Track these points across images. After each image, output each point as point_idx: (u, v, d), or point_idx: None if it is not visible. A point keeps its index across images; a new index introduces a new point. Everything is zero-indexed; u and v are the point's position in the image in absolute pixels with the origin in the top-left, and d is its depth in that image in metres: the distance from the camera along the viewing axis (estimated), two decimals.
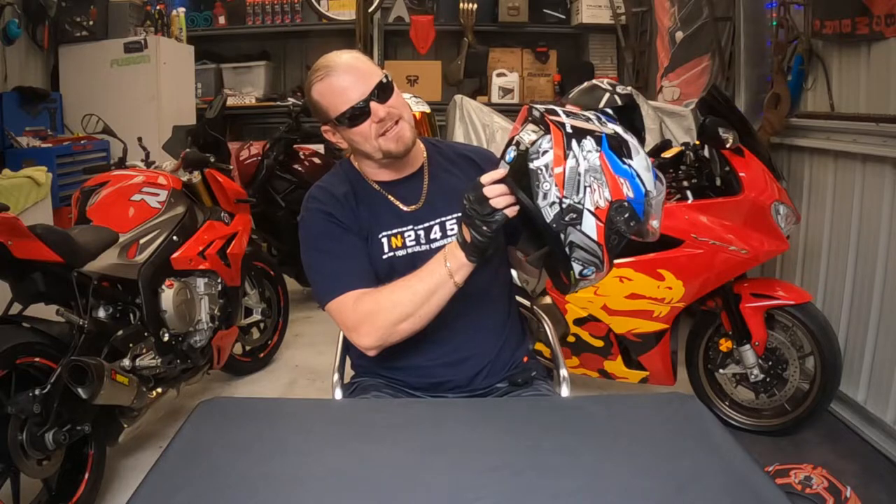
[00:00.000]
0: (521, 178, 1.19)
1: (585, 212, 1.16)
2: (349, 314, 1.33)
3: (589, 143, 1.17)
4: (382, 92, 1.35)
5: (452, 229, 1.42)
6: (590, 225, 1.16)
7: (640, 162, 1.19)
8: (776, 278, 3.01)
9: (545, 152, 1.17)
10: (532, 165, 1.17)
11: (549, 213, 1.17)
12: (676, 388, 2.47)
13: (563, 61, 5.41)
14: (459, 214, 1.41)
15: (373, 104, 1.34)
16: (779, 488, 0.97)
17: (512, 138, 1.24)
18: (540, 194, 1.17)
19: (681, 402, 1.24)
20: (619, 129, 1.22)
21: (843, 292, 2.68)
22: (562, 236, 1.18)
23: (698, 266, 2.37)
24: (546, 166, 1.16)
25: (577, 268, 1.20)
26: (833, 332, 2.41)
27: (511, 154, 1.22)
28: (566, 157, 1.16)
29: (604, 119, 1.23)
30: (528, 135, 1.20)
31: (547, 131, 1.18)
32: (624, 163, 1.18)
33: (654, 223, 1.23)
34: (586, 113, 1.24)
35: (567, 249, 1.19)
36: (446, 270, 1.26)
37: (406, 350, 1.40)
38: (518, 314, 1.59)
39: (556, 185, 1.15)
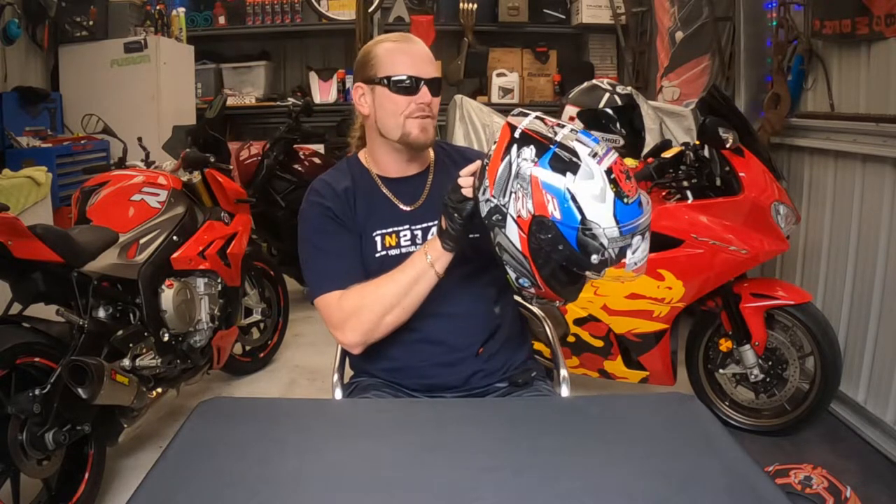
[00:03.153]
0: (480, 174, 1.23)
1: (508, 217, 1.17)
2: (334, 311, 1.35)
3: (528, 151, 1.14)
4: (436, 86, 1.40)
5: None
6: (513, 231, 1.17)
7: (587, 188, 1.10)
8: (776, 278, 3.02)
9: (492, 151, 1.20)
10: (483, 162, 1.22)
11: (484, 209, 1.21)
12: (676, 388, 2.47)
13: (563, 61, 5.40)
14: None
15: (425, 87, 1.38)
16: (779, 488, 0.97)
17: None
18: (481, 188, 1.21)
19: (681, 402, 1.24)
20: (587, 153, 1.12)
21: (843, 292, 2.68)
22: (492, 234, 1.21)
23: (698, 266, 2.37)
24: (486, 165, 1.20)
25: (511, 274, 1.22)
26: (833, 332, 2.41)
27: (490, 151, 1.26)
28: (502, 159, 1.17)
29: (582, 135, 1.16)
30: None
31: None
32: (558, 181, 1.11)
33: (631, 256, 1.14)
34: (565, 124, 1.18)
35: (497, 249, 1.21)
36: (427, 261, 1.29)
37: (403, 351, 1.41)
38: (518, 315, 1.58)
39: (488, 183, 1.19)
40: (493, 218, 1.19)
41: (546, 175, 1.12)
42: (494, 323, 1.47)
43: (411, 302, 1.31)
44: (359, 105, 1.43)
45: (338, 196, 1.42)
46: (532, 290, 1.22)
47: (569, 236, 1.12)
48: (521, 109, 1.25)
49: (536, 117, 1.20)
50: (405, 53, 1.38)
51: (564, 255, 1.14)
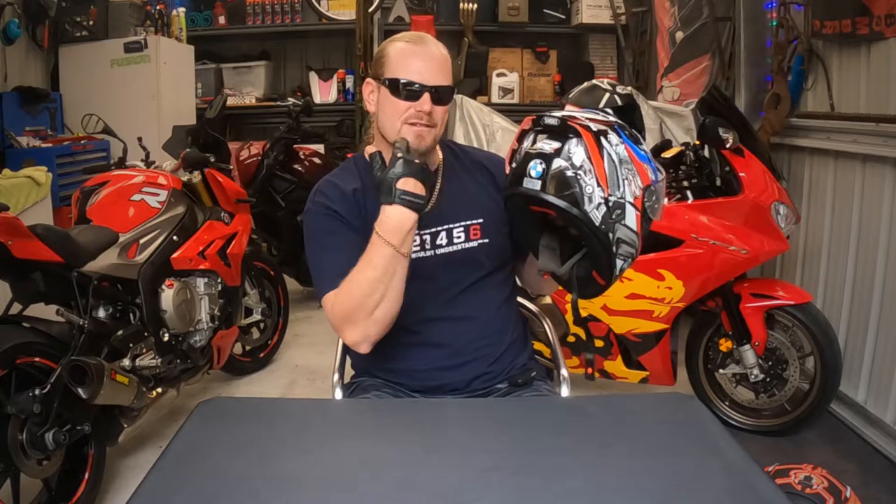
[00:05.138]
0: (561, 187, 1.17)
1: (627, 205, 1.17)
2: (332, 314, 1.31)
3: (614, 136, 1.18)
4: (441, 95, 1.35)
5: (459, 237, 1.40)
6: (631, 217, 1.18)
7: (646, 147, 1.23)
8: (776, 278, 3.02)
9: (577, 155, 1.16)
10: (569, 173, 1.16)
11: (598, 216, 1.16)
12: (676, 388, 2.47)
13: (563, 61, 5.41)
14: (466, 222, 1.41)
15: (427, 95, 1.33)
16: (779, 488, 0.97)
17: (514, 152, 1.22)
18: (585, 198, 1.16)
19: (681, 402, 1.24)
20: (613, 118, 1.24)
21: (843, 292, 2.68)
22: (610, 235, 1.17)
23: (698, 266, 2.37)
24: (584, 169, 1.15)
25: (619, 263, 1.21)
26: (833, 332, 2.41)
27: (537, 168, 1.18)
28: (602, 156, 1.16)
29: (600, 113, 1.24)
30: (549, 143, 1.18)
31: (564, 137, 1.17)
32: (641, 148, 1.21)
33: (665, 201, 1.27)
34: (585, 111, 1.25)
35: (615, 247, 1.19)
36: (390, 251, 1.23)
37: (406, 353, 1.40)
38: (520, 318, 1.57)
39: (599, 186, 1.15)
40: (614, 215, 1.16)
41: (635, 148, 1.20)
42: (500, 326, 1.45)
43: (395, 288, 1.25)
44: (366, 101, 1.42)
45: (345, 196, 1.39)
46: (626, 268, 1.23)
47: (660, 192, 1.23)
48: (542, 114, 1.23)
49: (567, 112, 1.23)
50: (415, 57, 1.34)
51: (657, 211, 1.22)
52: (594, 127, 1.18)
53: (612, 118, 1.22)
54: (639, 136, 1.23)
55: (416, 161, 1.24)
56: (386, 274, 1.24)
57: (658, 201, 1.22)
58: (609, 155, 1.16)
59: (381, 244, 1.23)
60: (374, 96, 1.40)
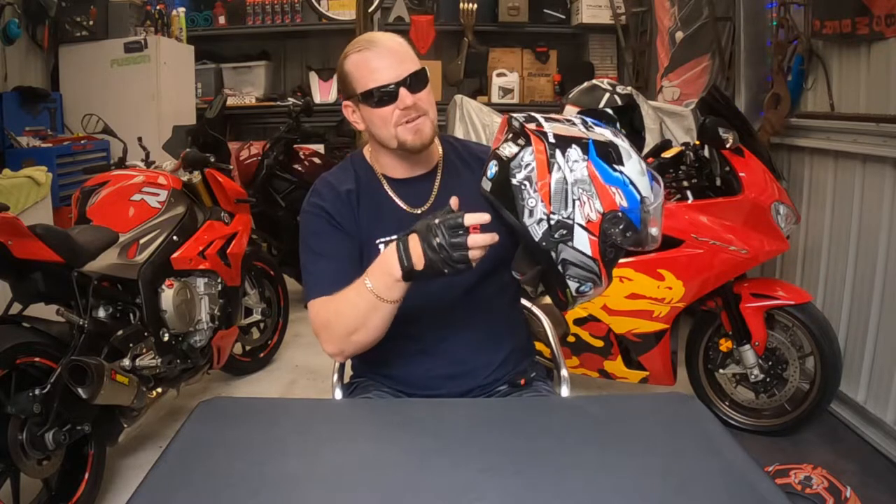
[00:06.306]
0: (504, 194, 1.13)
1: (576, 227, 1.10)
2: (314, 319, 1.31)
3: (575, 152, 1.10)
4: (416, 81, 1.31)
5: None
6: (582, 240, 1.11)
7: (632, 167, 1.13)
8: (776, 278, 3.02)
9: (527, 165, 1.10)
10: (514, 181, 1.11)
11: (537, 231, 1.11)
12: (676, 388, 2.47)
13: (563, 61, 5.41)
14: None
15: (402, 90, 1.30)
16: (779, 488, 0.97)
17: (494, 151, 1.18)
18: (525, 211, 1.11)
19: (681, 402, 1.24)
20: (608, 133, 1.16)
21: (843, 292, 2.68)
22: (552, 254, 1.12)
23: (698, 266, 2.37)
24: (529, 180, 1.10)
25: (573, 285, 1.16)
26: (833, 332, 2.41)
27: (492, 169, 1.15)
28: (550, 170, 1.09)
29: (590, 122, 1.17)
30: (510, 147, 1.14)
31: (528, 143, 1.12)
32: (615, 170, 1.11)
33: (654, 230, 1.16)
34: (571, 118, 1.18)
35: (560, 267, 1.13)
36: (373, 296, 1.18)
37: (405, 361, 1.39)
38: (523, 322, 1.54)
39: (541, 201, 1.09)
40: (557, 235, 1.10)
41: (601, 169, 1.11)
42: (501, 333, 1.43)
43: (377, 324, 1.22)
44: (353, 122, 1.40)
45: (339, 197, 1.37)
46: (591, 292, 1.17)
47: (635, 220, 1.12)
48: (512, 115, 1.18)
49: (534, 117, 1.16)
50: (372, 61, 1.31)
51: (632, 239, 1.13)
52: (552, 137, 1.11)
53: (592, 132, 1.13)
54: (623, 153, 1.12)
55: (447, 237, 1.10)
56: (366, 313, 1.21)
57: (630, 229, 1.12)
58: (560, 170, 1.09)
59: (362, 285, 1.19)
60: (356, 115, 1.38)
